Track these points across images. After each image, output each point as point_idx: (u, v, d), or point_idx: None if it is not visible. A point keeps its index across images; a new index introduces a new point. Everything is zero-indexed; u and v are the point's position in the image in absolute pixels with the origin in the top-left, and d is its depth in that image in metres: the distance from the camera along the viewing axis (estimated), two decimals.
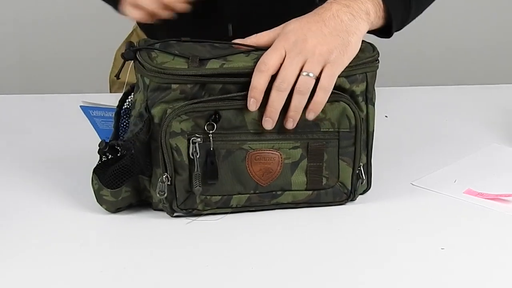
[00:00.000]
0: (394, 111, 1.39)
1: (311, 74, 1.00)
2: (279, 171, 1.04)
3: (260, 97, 0.99)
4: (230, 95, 1.00)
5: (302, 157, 1.04)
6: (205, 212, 1.04)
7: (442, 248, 0.98)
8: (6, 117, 1.40)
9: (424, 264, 0.95)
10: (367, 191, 1.10)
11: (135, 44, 1.05)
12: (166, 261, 0.96)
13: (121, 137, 1.06)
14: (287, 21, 1.06)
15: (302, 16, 1.06)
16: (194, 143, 1.00)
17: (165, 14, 1.16)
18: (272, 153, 1.03)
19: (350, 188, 1.07)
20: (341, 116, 1.03)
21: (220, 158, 1.02)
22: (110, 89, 1.58)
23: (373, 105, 1.06)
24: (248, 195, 1.04)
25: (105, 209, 1.05)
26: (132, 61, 1.04)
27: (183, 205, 1.03)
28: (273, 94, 1.00)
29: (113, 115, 1.08)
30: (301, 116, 1.01)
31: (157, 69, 0.99)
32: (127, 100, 1.08)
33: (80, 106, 1.13)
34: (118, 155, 1.04)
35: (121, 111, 1.08)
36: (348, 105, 1.02)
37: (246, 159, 1.02)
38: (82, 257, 0.97)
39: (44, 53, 2.70)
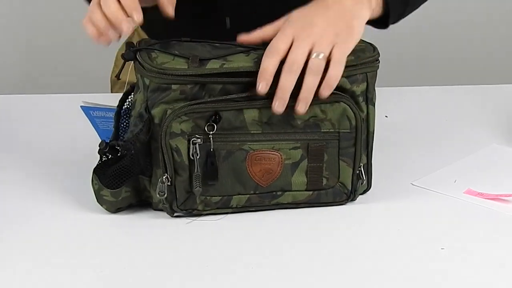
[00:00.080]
0: (394, 111, 1.39)
1: (321, 55, 1.00)
2: (279, 172, 1.04)
3: (270, 79, 0.99)
4: (230, 96, 1.00)
5: (302, 157, 1.04)
6: (205, 213, 1.04)
7: (442, 248, 0.98)
8: (6, 117, 1.40)
9: (424, 264, 0.95)
10: (367, 191, 1.10)
11: (135, 44, 1.05)
12: (166, 261, 0.96)
13: (121, 137, 1.06)
14: (284, 11, 1.07)
15: (306, 5, 1.07)
16: (194, 144, 1.00)
17: (112, 34, 1.06)
18: (273, 154, 1.03)
19: (350, 189, 1.07)
20: (342, 116, 1.03)
21: (220, 159, 1.02)
22: (111, 89, 1.58)
23: (374, 105, 1.06)
24: (248, 195, 1.04)
25: (105, 209, 1.05)
26: (133, 61, 1.04)
27: (183, 205, 1.03)
28: (284, 76, 0.99)
29: (114, 115, 1.08)
30: (303, 115, 1.01)
31: (157, 70, 0.99)
32: (127, 100, 1.08)
33: (81, 107, 1.13)
34: (118, 155, 1.04)
35: (121, 111, 1.08)
36: (349, 105, 1.02)
37: (246, 160, 1.02)
38: (82, 257, 0.97)
39: (44, 53, 2.70)
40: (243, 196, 1.04)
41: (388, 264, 0.96)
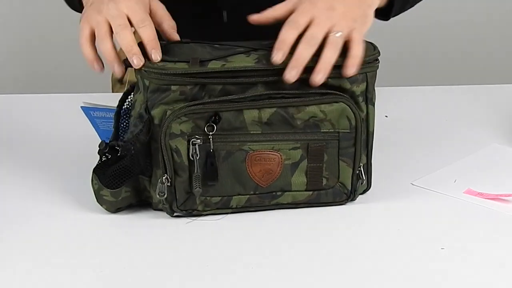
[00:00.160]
0: (394, 111, 1.39)
1: (339, 34, 1.02)
2: (279, 172, 1.03)
3: (287, 50, 1.00)
4: (230, 97, 1.00)
5: (302, 157, 1.04)
6: (205, 213, 1.04)
7: (442, 248, 0.98)
8: (6, 117, 1.40)
9: (424, 264, 0.95)
10: (367, 191, 1.10)
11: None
12: (166, 261, 0.96)
13: (121, 138, 1.06)
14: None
15: None
16: (194, 144, 1.00)
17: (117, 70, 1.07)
18: (272, 154, 1.03)
19: (350, 189, 1.06)
20: (341, 116, 1.03)
21: (220, 159, 1.01)
22: (112, 89, 1.58)
23: (373, 105, 1.06)
24: (248, 196, 1.04)
25: (105, 209, 1.05)
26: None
27: (183, 206, 1.03)
28: (301, 46, 1.00)
29: (114, 115, 1.08)
30: (303, 115, 1.01)
31: (157, 70, 0.99)
32: (127, 100, 1.08)
33: (81, 107, 1.13)
34: (118, 155, 1.04)
35: (121, 111, 1.08)
36: (348, 105, 1.02)
37: (246, 160, 1.02)
38: (82, 257, 0.97)
39: (45, 53, 2.70)
40: (243, 196, 1.04)
41: (388, 264, 0.96)
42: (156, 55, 1.02)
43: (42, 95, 1.51)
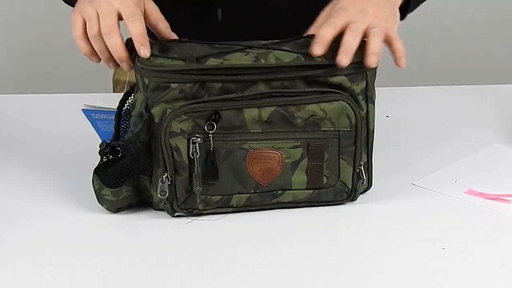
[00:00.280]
0: (394, 111, 1.39)
1: (376, 28, 1.05)
2: (280, 171, 1.03)
3: (326, 46, 1.03)
4: (230, 95, 1.00)
5: (303, 156, 1.04)
6: (206, 212, 1.04)
7: (443, 248, 0.98)
8: (6, 117, 1.40)
9: (425, 264, 0.95)
10: (368, 190, 1.10)
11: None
12: (167, 261, 0.96)
13: (121, 138, 1.06)
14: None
15: None
16: (194, 143, 1.00)
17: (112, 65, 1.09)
18: (273, 153, 1.03)
19: (350, 187, 1.06)
20: (341, 115, 1.03)
21: (220, 158, 1.01)
22: (113, 89, 1.58)
23: (373, 103, 1.06)
24: (248, 194, 1.04)
25: (106, 208, 1.05)
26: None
27: (184, 205, 1.03)
28: (348, 34, 1.04)
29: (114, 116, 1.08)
30: (303, 113, 1.01)
31: (156, 69, 0.99)
32: (127, 101, 1.08)
33: (82, 110, 1.13)
34: (119, 155, 1.04)
35: (122, 112, 1.08)
36: (348, 104, 1.02)
37: (246, 159, 1.02)
38: (82, 256, 0.97)
39: (45, 53, 2.70)
40: (243, 195, 1.04)
41: (389, 264, 0.95)
42: (144, 51, 1.01)
43: (42, 95, 1.51)
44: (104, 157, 1.04)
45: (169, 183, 1.01)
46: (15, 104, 1.46)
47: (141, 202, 1.07)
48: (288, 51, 1.02)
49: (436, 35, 2.70)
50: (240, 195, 1.04)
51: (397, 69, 1.08)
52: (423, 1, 1.27)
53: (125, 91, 1.08)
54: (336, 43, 1.03)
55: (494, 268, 0.94)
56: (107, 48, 1.05)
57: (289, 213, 1.06)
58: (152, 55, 1.02)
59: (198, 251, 0.98)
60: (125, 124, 1.07)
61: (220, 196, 1.03)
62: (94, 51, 1.07)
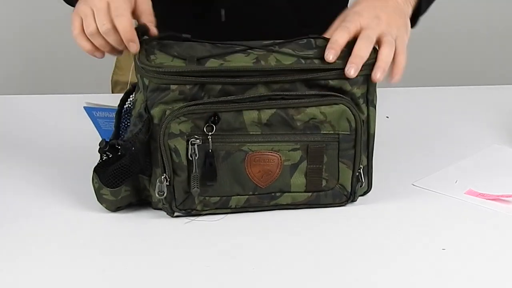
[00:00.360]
0: (394, 111, 1.39)
1: (389, 36, 1.05)
2: (278, 173, 1.03)
3: (339, 51, 1.02)
4: (230, 97, 0.99)
5: (302, 159, 1.03)
6: (204, 213, 1.04)
7: (443, 249, 0.98)
8: (6, 117, 1.40)
9: (425, 265, 0.95)
10: (367, 192, 1.10)
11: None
12: (165, 261, 0.96)
13: (121, 137, 1.06)
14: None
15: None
16: (193, 144, 1.00)
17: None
18: (272, 155, 1.03)
19: (350, 190, 1.06)
20: (341, 118, 1.02)
21: (219, 159, 1.01)
22: (112, 90, 1.58)
23: (374, 107, 1.06)
24: (247, 196, 1.04)
25: (105, 207, 1.05)
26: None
27: (182, 205, 1.03)
28: (360, 43, 1.03)
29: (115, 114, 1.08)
30: (303, 116, 1.01)
31: (156, 70, 0.99)
32: (128, 100, 1.08)
33: (84, 107, 1.13)
34: (118, 154, 1.04)
35: (123, 111, 1.08)
36: (348, 107, 1.02)
37: (245, 161, 1.02)
38: (81, 256, 0.97)
39: (45, 54, 2.70)
40: (242, 196, 1.04)
41: (389, 264, 0.95)
42: (134, 46, 1.02)
43: (42, 96, 1.51)
44: (104, 155, 1.04)
45: (168, 183, 1.01)
46: (16, 104, 1.46)
47: (140, 201, 1.07)
48: (289, 54, 1.02)
49: (436, 35, 2.70)
50: (238, 196, 1.04)
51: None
52: (428, 7, 1.27)
53: (126, 90, 1.08)
54: (345, 47, 1.03)
55: (494, 268, 0.94)
56: (107, 43, 1.05)
57: (289, 213, 1.06)
58: (152, 53, 1.02)
59: (198, 251, 0.98)
60: (125, 123, 1.07)
61: (219, 198, 1.03)
62: (96, 47, 1.07)
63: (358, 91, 1.03)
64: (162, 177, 1.01)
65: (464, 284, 0.92)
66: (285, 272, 0.93)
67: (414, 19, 1.17)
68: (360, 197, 1.09)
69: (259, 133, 1.01)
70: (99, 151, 1.04)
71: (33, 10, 2.65)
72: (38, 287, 0.91)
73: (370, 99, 1.05)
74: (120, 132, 1.07)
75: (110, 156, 1.04)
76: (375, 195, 1.10)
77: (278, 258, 0.97)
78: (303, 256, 0.97)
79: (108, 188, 1.03)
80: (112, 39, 1.05)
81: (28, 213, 1.07)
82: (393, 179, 1.15)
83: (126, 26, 1.03)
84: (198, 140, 1.00)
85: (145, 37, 1.05)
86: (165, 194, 1.01)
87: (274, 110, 1.01)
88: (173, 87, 0.99)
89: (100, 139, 1.06)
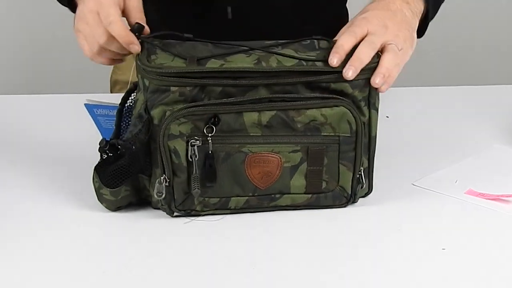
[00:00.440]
0: (394, 111, 1.39)
1: (394, 45, 1.05)
2: (278, 174, 1.03)
3: (344, 55, 1.01)
4: (230, 99, 0.99)
5: (302, 160, 1.03)
6: (204, 213, 1.04)
7: (443, 249, 0.98)
8: (6, 117, 1.40)
9: (425, 265, 0.95)
10: (368, 194, 1.09)
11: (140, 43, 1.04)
12: (166, 260, 0.96)
13: (121, 136, 1.06)
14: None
15: (371, 7, 1.11)
16: (192, 145, 0.99)
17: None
18: (272, 156, 1.02)
19: (350, 192, 1.06)
20: (342, 120, 1.02)
21: (219, 161, 1.01)
22: (110, 90, 1.58)
23: (376, 110, 1.05)
24: (246, 197, 1.03)
25: (105, 207, 1.06)
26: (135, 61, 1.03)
27: (182, 206, 1.03)
28: (363, 46, 1.03)
29: (116, 113, 1.08)
30: (303, 118, 1.01)
31: (156, 71, 0.98)
32: (130, 98, 1.07)
33: (85, 104, 1.13)
34: (119, 153, 1.04)
35: (124, 109, 1.07)
36: (349, 110, 1.01)
37: (245, 162, 1.02)
38: (81, 255, 0.97)
39: (44, 53, 2.70)
40: (241, 198, 1.03)
41: (389, 264, 0.95)
42: (134, 47, 1.02)
43: (42, 96, 1.52)
44: (104, 155, 1.04)
45: (167, 184, 1.01)
46: (14, 104, 1.46)
47: (140, 201, 1.07)
48: (291, 56, 1.01)
49: (436, 35, 2.70)
50: (238, 197, 1.03)
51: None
52: (433, 17, 1.27)
53: (127, 89, 1.08)
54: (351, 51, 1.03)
55: (494, 268, 0.94)
56: (116, 52, 1.06)
57: (289, 213, 1.06)
58: (153, 52, 1.01)
59: (198, 250, 0.98)
60: (126, 122, 1.07)
61: (218, 199, 1.03)
62: (111, 58, 1.09)
63: (359, 94, 1.03)
64: (162, 178, 1.01)
65: (464, 284, 0.92)
66: (285, 272, 0.93)
67: (419, 31, 1.17)
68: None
69: (259, 134, 1.01)
70: (99, 151, 1.04)
71: (31, 10, 2.65)
72: (37, 286, 0.91)
73: (371, 102, 1.04)
74: (121, 131, 1.07)
75: (110, 155, 1.04)
76: (374, 194, 1.10)
77: (278, 258, 0.96)
78: (302, 255, 0.97)
79: (108, 188, 1.03)
80: (114, 47, 1.05)
81: (28, 213, 1.07)
82: (393, 179, 1.15)
83: (121, 32, 1.03)
84: (198, 142, 0.99)
85: (143, 36, 1.05)
86: (163, 195, 1.01)
87: (275, 112, 1.01)
88: (173, 88, 0.99)
89: (101, 137, 1.06)
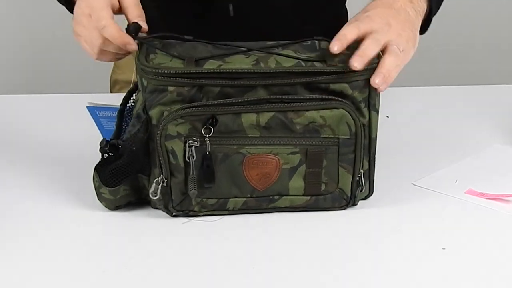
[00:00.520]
0: (394, 111, 1.39)
1: (396, 47, 1.04)
2: (277, 176, 1.03)
3: (345, 44, 1.01)
4: (228, 100, 0.99)
5: (301, 162, 1.02)
6: (202, 214, 1.04)
7: (443, 248, 0.98)
8: (7, 116, 1.40)
9: (425, 264, 0.95)
10: (369, 196, 1.09)
11: (138, 43, 1.04)
12: (165, 260, 0.96)
13: (122, 136, 1.06)
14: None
15: (374, 4, 1.10)
16: (190, 146, 0.99)
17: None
18: (270, 158, 1.02)
19: (349, 195, 1.05)
20: (341, 123, 1.01)
21: (217, 161, 1.01)
22: (110, 90, 1.58)
23: (376, 111, 1.04)
24: (244, 199, 1.03)
25: (105, 206, 1.06)
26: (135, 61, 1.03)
27: (179, 206, 1.03)
28: (368, 41, 1.02)
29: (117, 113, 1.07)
30: (302, 120, 1.00)
31: (153, 71, 0.98)
32: (131, 98, 1.07)
33: (87, 107, 1.13)
34: (119, 153, 1.04)
35: (125, 109, 1.07)
36: (348, 112, 1.01)
37: (243, 163, 1.01)
38: (80, 255, 0.97)
39: (44, 53, 2.70)
40: (239, 199, 1.03)
41: (388, 263, 0.95)
42: (131, 47, 1.02)
43: (42, 96, 1.52)
44: (105, 155, 1.04)
45: (164, 184, 1.01)
46: (14, 104, 1.46)
47: (140, 200, 1.07)
48: (290, 56, 1.00)
49: (436, 35, 2.70)
50: (236, 199, 1.03)
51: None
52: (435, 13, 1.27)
53: (129, 89, 1.08)
54: (349, 50, 1.02)
55: (494, 268, 0.94)
56: (115, 52, 1.06)
57: (289, 213, 1.05)
58: (153, 52, 1.01)
59: (197, 250, 0.98)
60: (128, 122, 1.07)
61: (216, 200, 1.03)
62: (114, 54, 1.08)
63: (359, 95, 1.02)
64: (159, 178, 1.01)
65: (464, 284, 0.91)
66: (284, 273, 0.93)
67: (422, 28, 1.17)
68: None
69: (258, 135, 1.01)
70: (100, 151, 1.04)
71: (31, 10, 2.65)
72: (37, 285, 0.91)
73: (372, 103, 1.04)
74: (122, 131, 1.07)
75: (111, 154, 1.04)
76: (375, 194, 1.10)
77: (278, 257, 0.96)
78: (302, 255, 0.97)
79: (107, 187, 1.03)
80: (111, 49, 1.05)
81: (28, 212, 1.07)
82: (393, 178, 1.15)
83: (114, 34, 1.02)
84: (195, 142, 0.99)
85: (139, 37, 1.04)
86: (158, 196, 1.01)
87: (273, 113, 1.00)
88: (170, 88, 0.98)
89: (101, 138, 1.06)
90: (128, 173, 1.03)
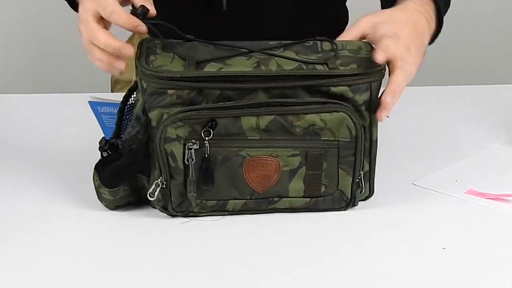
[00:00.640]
0: (394, 111, 1.38)
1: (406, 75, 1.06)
2: (277, 178, 1.02)
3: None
4: (227, 103, 0.98)
5: (301, 164, 1.02)
6: (201, 215, 1.04)
7: (443, 248, 0.98)
8: (7, 116, 1.40)
9: (425, 264, 0.95)
10: (369, 197, 1.09)
11: (138, 44, 1.04)
12: (165, 260, 0.96)
13: (122, 135, 1.06)
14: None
15: (395, 11, 1.11)
16: (189, 149, 0.99)
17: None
18: (270, 160, 1.02)
19: (349, 196, 1.05)
20: (341, 126, 1.01)
21: (216, 164, 1.00)
22: (111, 89, 1.58)
23: None
24: (244, 200, 1.03)
25: (105, 205, 1.06)
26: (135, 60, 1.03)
27: (179, 207, 1.03)
28: (400, 74, 1.04)
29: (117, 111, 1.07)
30: (303, 123, 1.00)
31: (153, 74, 0.98)
32: (132, 96, 1.07)
33: (89, 102, 1.12)
34: (119, 152, 1.04)
35: (126, 107, 1.07)
36: (349, 115, 1.01)
37: (242, 166, 1.01)
38: (80, 255, 0.97)
39: (44, 53, 2.70)
40: (239, 201, 1.03)
41: (389, 263, 0.95)
42: (142, 28, 1.00)
43: (42, 95, 1.51)
44: (104, 153, 1.04)
45: (164, 186, 1.01)
46: (14, 104, 1.46)
47: (140, 200, 1.07)
48: (291, 58, 1.00)
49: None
50: (235, 200, 1.03)
51: None
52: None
53: (130, 87, 1.08)
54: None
55: (494, 268, 0.94)
56: (114, 54, 1.04)
57: (289, 213, 1.06)
58: (154, 52, 1.01)
59: (197, 250, 0.98)
60: (128, 120, 1.07)
61: (216, 201, 1.03)
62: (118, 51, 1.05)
63: (360, 98, 1.02)
64: (158, 180, 1.01)
65: (464, 284, 0.91)
66: (285, 272, 0.93)
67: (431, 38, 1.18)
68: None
69: (258, 138, 1.00)
70: (99, 149, 1.04)
71: (32, 10, 2.65)
72: (37, 285, 0.91)
73: (373, 106, 1.04)
74: (122, 129, 1.07)
75: (110, 153, 1.04)
76: (375, 194, 1.10)
77: (278, 257, 0.96)
78: (302, 256, 0.97)
79: (107, 188, 1.03)
80: (113, 46, 1.03)
81: (27, 212, 1.07)
82: (393, 178, 1.15)
83: (123, 19, 1.00)
84: (195, 145, 0.99)
85: (147, 19, 1.03)
86: (155, 197, 1.01)
87: (273, 116, 1.00)
88: (170, 91, 0.98)
89: (101, 136, 1.05)
90: (128, 174, 1.03)
